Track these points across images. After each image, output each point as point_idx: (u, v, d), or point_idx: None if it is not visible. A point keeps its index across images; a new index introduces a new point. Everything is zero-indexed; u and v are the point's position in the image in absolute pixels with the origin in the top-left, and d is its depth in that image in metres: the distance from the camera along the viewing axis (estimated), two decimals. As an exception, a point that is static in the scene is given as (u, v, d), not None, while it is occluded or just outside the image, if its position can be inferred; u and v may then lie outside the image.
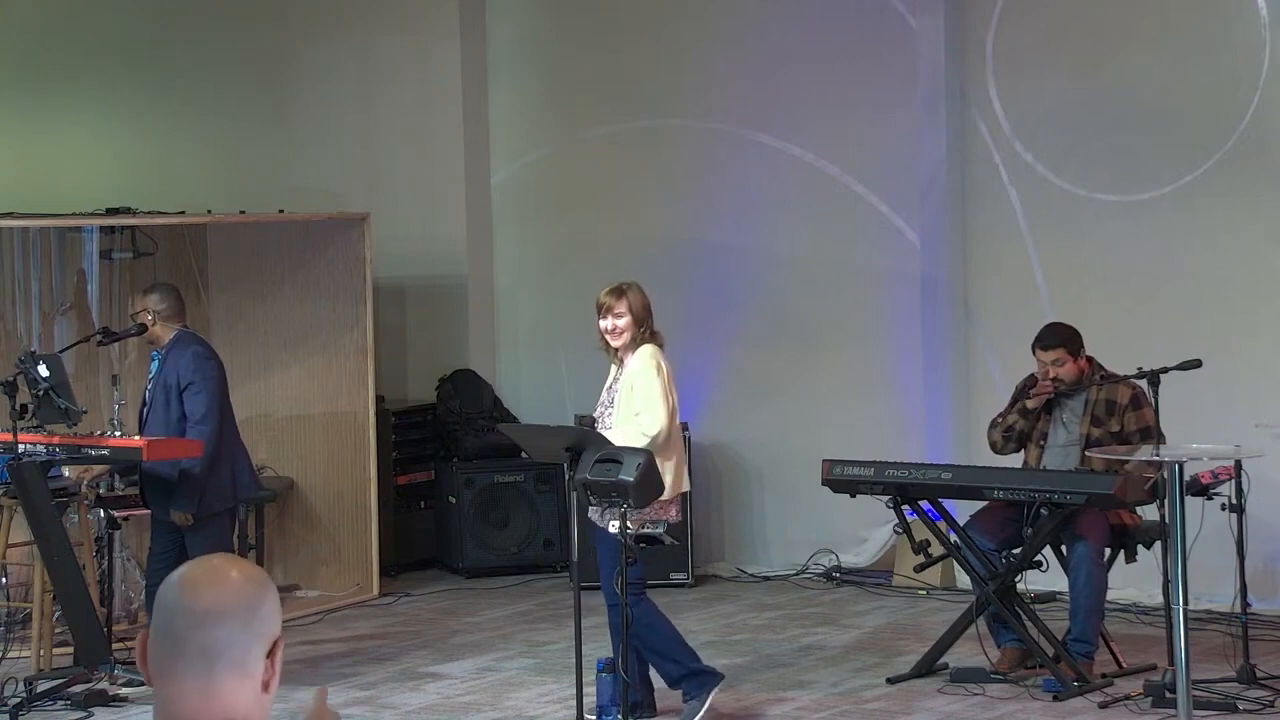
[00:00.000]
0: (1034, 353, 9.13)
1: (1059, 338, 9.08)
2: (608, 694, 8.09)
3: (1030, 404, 9.11)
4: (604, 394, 8.30)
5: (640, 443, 7.92)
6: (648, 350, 8.14)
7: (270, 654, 2.73)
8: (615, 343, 8.19)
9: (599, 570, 8.16)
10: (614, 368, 8.30)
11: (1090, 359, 9.12)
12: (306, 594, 11.36)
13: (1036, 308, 10.71)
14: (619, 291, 8.19)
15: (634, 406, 8.04)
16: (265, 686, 2.72)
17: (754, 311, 11.83)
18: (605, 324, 8.19)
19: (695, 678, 8.18)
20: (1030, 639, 8.86)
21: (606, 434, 8.01)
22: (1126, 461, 8.79)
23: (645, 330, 8.17)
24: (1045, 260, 11.06)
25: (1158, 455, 8.18)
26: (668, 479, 7.99)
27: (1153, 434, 8.79)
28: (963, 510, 9.34)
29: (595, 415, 8.17)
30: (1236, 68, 10.42)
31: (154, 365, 9.25)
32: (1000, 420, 9.29)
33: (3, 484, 9.32)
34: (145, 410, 9.24)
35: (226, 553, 2.83)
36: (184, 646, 2.67)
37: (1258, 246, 10.42)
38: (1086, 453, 8.82)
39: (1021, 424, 9.17)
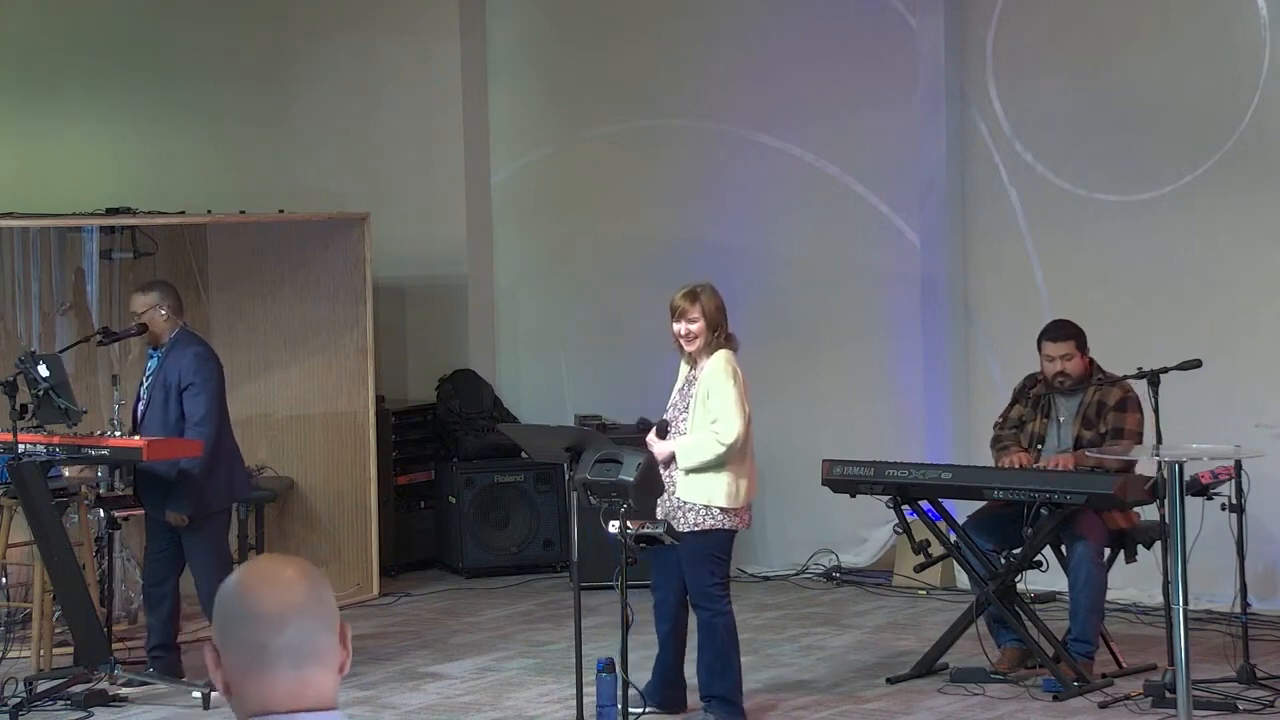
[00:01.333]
0: (1040, 347, 9.11)
1: (1069, 330, 9.08)
2: (608, 693, 8.09)
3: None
4: (675, 395, 8.26)
5: (716, 451, 7.96)
6: (723, 357, 8.10)
7: (341, 637, 2.86)
8: (689, 348, 8.15)
9: (669, 574, 8.16)
10: (685, 367, 8.27)
11: (1091, 360, 9.12)
12: (306, 594, 11.34)
13: (1036, 308, 10.70)
14: (693, 295, 8.13)
15: (710, 414, 8.03)
16: (340, 669, 2.85)
17: (754, 311, 11.81)
18: (679, 328, 8.14)
19: (731, 706, 8.20)
20: (1030, 639, 8.86)
21: (681, 439, 8.02)
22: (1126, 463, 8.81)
23: (720, 334, 8.14)
24: (1045, 260, 11.06)
25: (1158, 455, 8.19)
26: (742, 485, 8.05)
27: (1125, 435, 8.81)
28: (963, 510, 9.34)
29: (667, 418, 8.16)
30: (1236, 68, 10.41)
31: (150, 363, 9.24)
32: (1001, 421, 9.30)
33: (3, 484, 9.32)
34: (141, 408, 9.23)
35: (271, 554, 2.90)
36: (268, 650, 2.76)
37: (1258, 246, 10.42)
38: (1086, 453, 8.81)
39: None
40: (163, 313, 9.12)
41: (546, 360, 12.80)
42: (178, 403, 9.03)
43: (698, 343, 8.11)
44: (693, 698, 8.36)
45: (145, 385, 9.23)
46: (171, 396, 9.04)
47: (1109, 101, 10.82)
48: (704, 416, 8.04)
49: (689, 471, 7.97)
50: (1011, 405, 9.32)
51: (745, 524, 8.21)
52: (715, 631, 8.13)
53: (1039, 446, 9.13)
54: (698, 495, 7.99)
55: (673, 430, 8.11)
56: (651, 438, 8.14)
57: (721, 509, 8.02)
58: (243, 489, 9.47)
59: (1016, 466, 8.97)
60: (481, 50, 12.81)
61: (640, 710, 8.12)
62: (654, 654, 8.54)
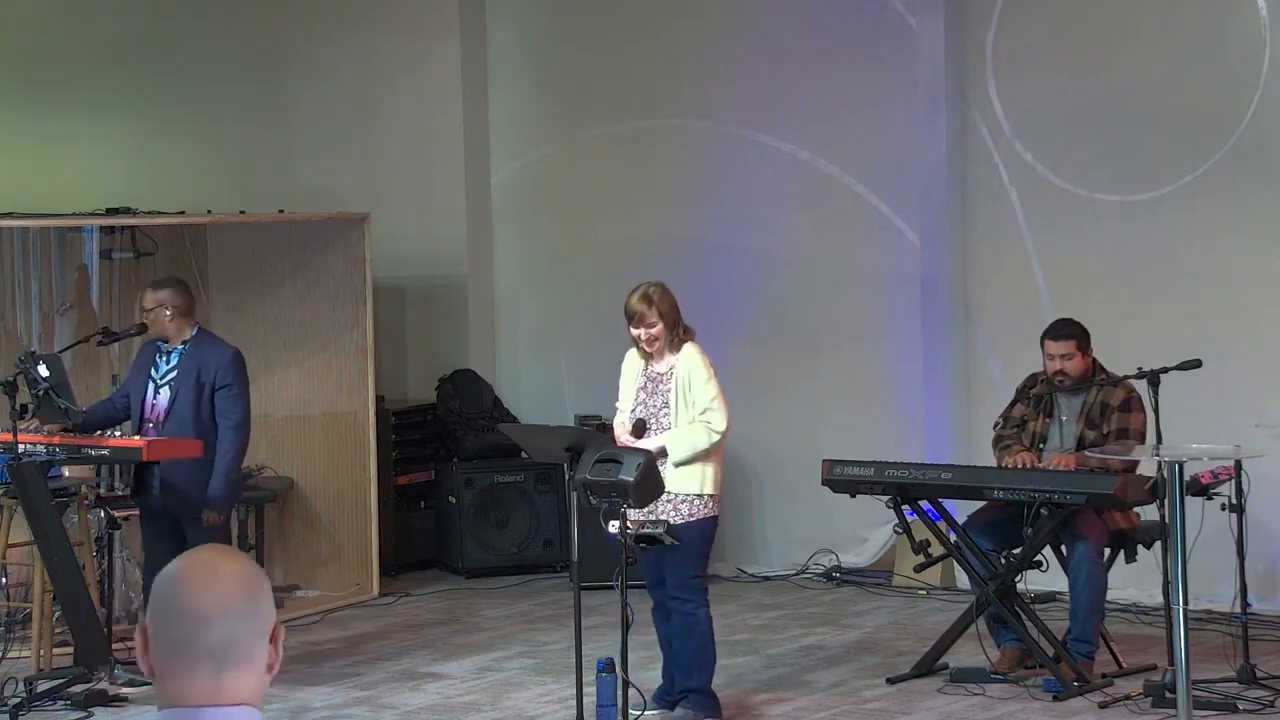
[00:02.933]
0: (1042, 345, 9.11)
1: (1071, 330, 9.07)
2: (608, 694, 8.09)
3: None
4: (638, 393, 8.29)
5: (712, 440, 8.09)
6: (695, 349, 8.20)
7: (272, 639, 2.80)
8: (651, 349, 8.23)
9: (662, 572, 8.17)
10: (639, 362, 8.31)
11: (1094, 360, 9.11)
12: (306, 594, 11.36)
13: (1036, 308, 10.71)
14: (647, 300, 8.18)
15: (697, 405, 8.10)
16: (268, 669, 2.80)
17: (754, 311, 11.83)
18: (638, 333, 8.22)
19: (708, 697, 8.23)
20: (1030, 639, 8.86)
21: (671, 433, 8.07)
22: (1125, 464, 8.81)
23: (679, 330, 8.21)
24: (1045, 260, 11.06)
25: (1158, 455, 8.19)
26: (721, 471, 8.21)
27: (1130, 435, 8.81)
28: (963, 510, 9.34)
29: (643, 416, 8.18)
30: (1236, 68, 10.41)
31: (164, 360, 9.14)
32: (1002, 421, 9.30)
33: (3, 484, 9.32)
34: (160, 404, 9.09)
35: (219, 545, 2.88)
36: (192, 648, 2.73)
37: (1258, 246, 10.42)
38: (1088, 454, 8.81)
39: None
40: (168, 313, 9.08)
41: (546, 360, 12.80)
42: (210, 401, 9.02)
43: (658, 344, 8.21)
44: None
45: (162, 381, 9.13)
46: (205, 395, 9.01)
47: (1109, 101, 10.82)
48: (687, 410, 8.11)
49: (679, 464, 8.01)
50: (1012, 404, 9.32)
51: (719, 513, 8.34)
52: (695, 624, 8.17)
53: (1041, 446, 9.13)
54: (690, 485, 8.04)
55: (652, 428, 8.13)
56: (628, 437, 8.18)
57: (712, 495, 8.13)
58: (242, 480, 9.65)
59: (1021, 466, 8.96)
60: (481, 50, 12.81)
61: (640, 711, 8.12)
62: (654, 654, 8.54)
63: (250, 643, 2.76)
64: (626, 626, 7.83)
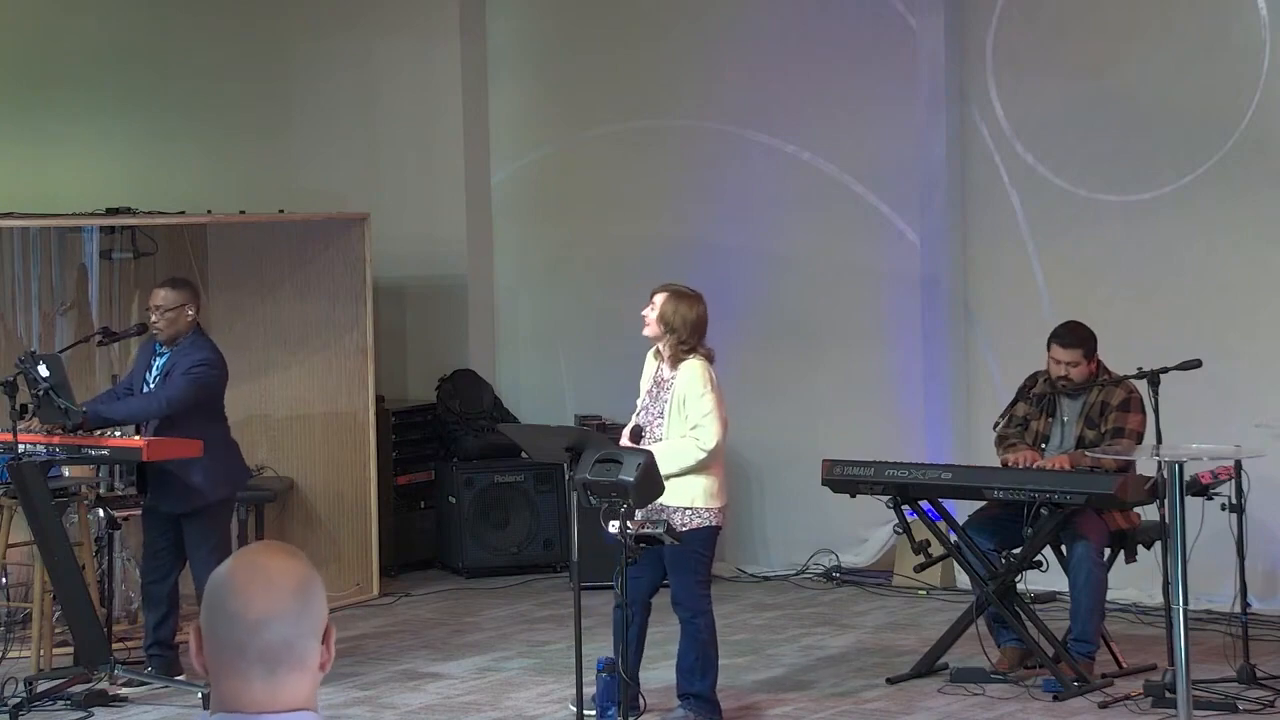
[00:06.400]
0: (1049, 347, 9.09)
1: (1079, 339, 9.04)
2: (607, 694, 8.08)
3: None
4: (644, 396, 8.28)
5: (698, 457, 8.03)
6: (699, 364, 8.15)
7: (324, 639, 2.78)
8: (644, 331, 8.23)
9: (671, 577, 8.16)
10: (652, 363, 8.29)
11: (1099, 362, 9.11)
12: (306, 594, 11.34)
13: (1036, 308, 10.71)
14: (667, 290, 8.21)
15: (690, 420, 8.08)
16: (321, 668, 2.79)
17: (754, 311, 11.82)
18: (644, 311, 8.24)
19: (710, 704, 8.21)
20: (1030, 639, 8.86)
21: (660, 445, 8.03)
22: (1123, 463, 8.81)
23: (675, 337, 8.16)
24: (1045, 261, 11.06)
25: (1158, 455, 8.19)
26: (719, 484, 8.14)
27: (1126, 434, 8.81)
28: (963, 510, 9.34)
29: (641, 423, 8.16)
30: (1236, 68, 10.42)
31: (159, 360, 9.18)
32: (1004, 420, 9.29)
33: (3, 484, 9.32)
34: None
35: (272, 542, 2.85)
36: (245, 652, 2.71)
37: (1258, 246, 10.42)
38: (1085, 454, 8.80)
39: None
40: (191, 313, 9.14)
41: (546, 360, 12.80)
42: None
43: (648, 331, 8.19)
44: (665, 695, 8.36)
45: (152, 383, 9.17)
46: None
47: (1109, 101, 10.82)
48: (680, 423, 8.08)
49: (668, 477, 7.97)
50: (1014, 403, 9.31)
51: (723, 523, 8.25)
52: (697, 632, 8.14)
53: (1043, 446, 9.13)
54: (679, 498, 8.01)
55: (647, 435, 8.12)
56: (625, 443, 8.16)
57: (706, 508, 8.08)
58: (243, 475, 9.49)
59: (1024, 464, 8.95)
60: (482, 50, 12.81)
61: (639, 710, 8.12)
62: (654, 654, 8.52)
63: (303, 645, 2.73)
64: (626, 626, 7.82)
